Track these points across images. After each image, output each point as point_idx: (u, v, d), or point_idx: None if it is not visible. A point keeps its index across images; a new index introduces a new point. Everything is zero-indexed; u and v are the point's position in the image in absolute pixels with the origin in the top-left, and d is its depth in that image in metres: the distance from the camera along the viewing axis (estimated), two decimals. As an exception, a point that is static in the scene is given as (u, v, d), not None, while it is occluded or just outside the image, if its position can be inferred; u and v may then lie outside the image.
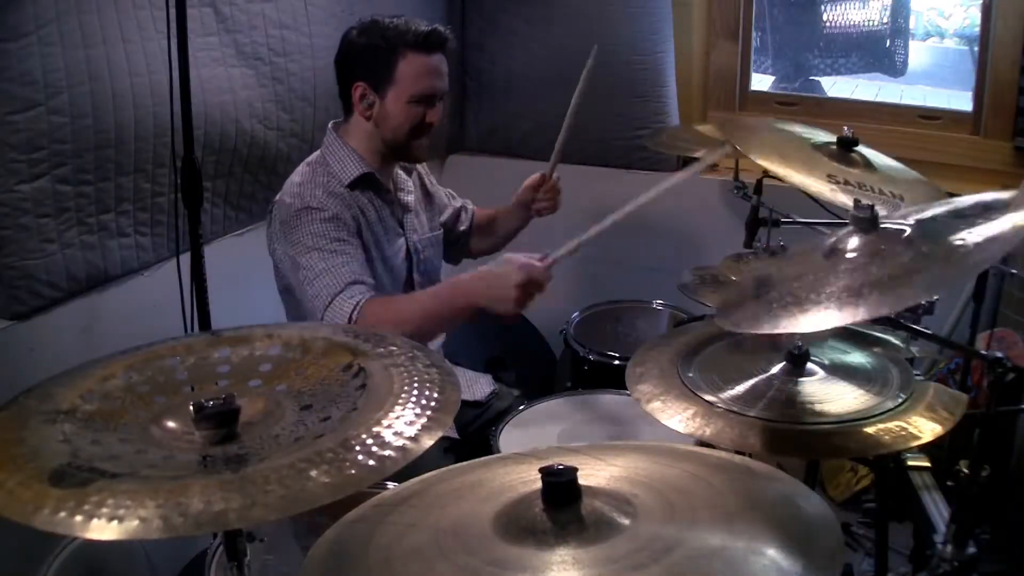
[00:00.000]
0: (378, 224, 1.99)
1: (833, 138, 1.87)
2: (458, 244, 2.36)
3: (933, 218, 1.20)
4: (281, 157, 2.42)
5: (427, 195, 2.22)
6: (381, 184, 2.00)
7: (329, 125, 2.02)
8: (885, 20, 3.41)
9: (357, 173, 1.95)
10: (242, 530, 1.04)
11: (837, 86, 3.38)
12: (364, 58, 1.92)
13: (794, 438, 1.20)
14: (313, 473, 0.86)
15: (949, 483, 1.20)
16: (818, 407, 1.25)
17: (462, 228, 2.35)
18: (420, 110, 1.94)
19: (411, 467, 0.93)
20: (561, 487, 0.90)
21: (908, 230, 1.14)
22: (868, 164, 1.83)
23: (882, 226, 1.18)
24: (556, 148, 2.19)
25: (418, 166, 2.17)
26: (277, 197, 1.95)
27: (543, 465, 0.91)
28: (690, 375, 1.32)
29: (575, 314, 2.56)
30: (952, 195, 2.47)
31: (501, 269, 1.76)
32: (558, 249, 1.78)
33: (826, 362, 1.35)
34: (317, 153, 2.01)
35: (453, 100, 3.09)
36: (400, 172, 2.11)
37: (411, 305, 1.85)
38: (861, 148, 1.86)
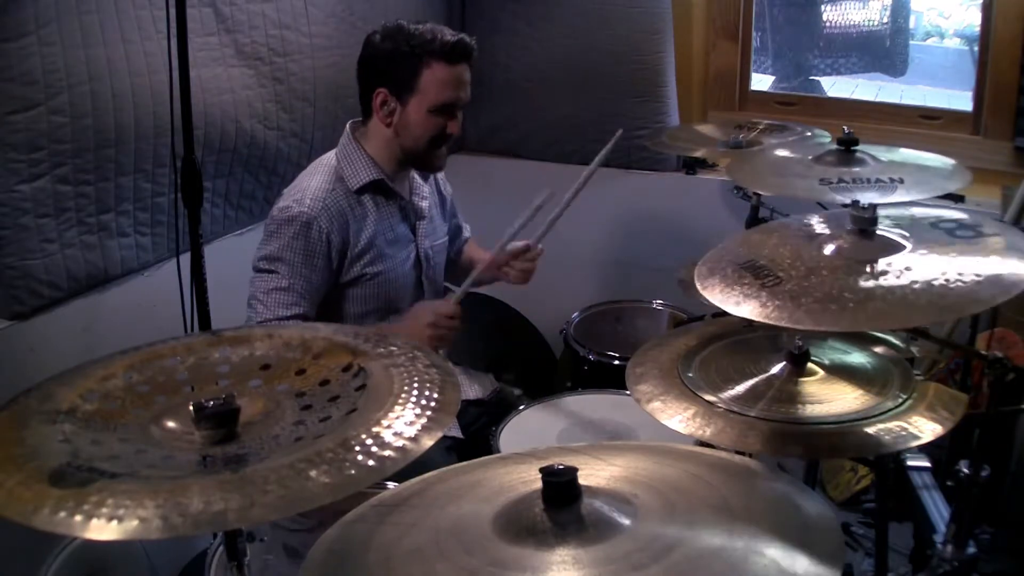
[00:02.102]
0: (384, 232, 1.97)
1: (832, 143, 1.88)
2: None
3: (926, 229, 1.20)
4: (281, 157, 2.42)
5: (442, 200, 2.19)
6: (392, 190, 1.98)
7: (347, 125, 1.99)
8: (885, 20, 3.42)
9: (367, 179, 1.93)
10: (242, 530, 1.04)
11: (837, 86, 3.38)
12: (387, 64, 1.87)
13: (794, 438, 1.20)
14: (313, 473, 0.85)
15: (949, 483, 1.20)
16: (818, 407, 1.25)
17: (453, 254, 2.32)
18: (441, 120, 1.90)
19: (415, 466, 0.93)
20: (561, 487, 0.89)
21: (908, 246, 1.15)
22: (873, 160, 1.84)
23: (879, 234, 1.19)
24: (548, 221, 2.01)
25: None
26: (284, 191, 1.94)
27: (543, 465, 0.91)
28: (690, 375, 1.32)
29: (575, 314, 2.56)
30: (952, 196, 2.49)
31: (414, 311, 1.95)
32: (460, 288, 1.99)
33: (826, 362, 1.35)
34: (332, 154, 1.98)
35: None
36: (416, 176, 2.07)
37: None
38: (862, 145, 1.87)
